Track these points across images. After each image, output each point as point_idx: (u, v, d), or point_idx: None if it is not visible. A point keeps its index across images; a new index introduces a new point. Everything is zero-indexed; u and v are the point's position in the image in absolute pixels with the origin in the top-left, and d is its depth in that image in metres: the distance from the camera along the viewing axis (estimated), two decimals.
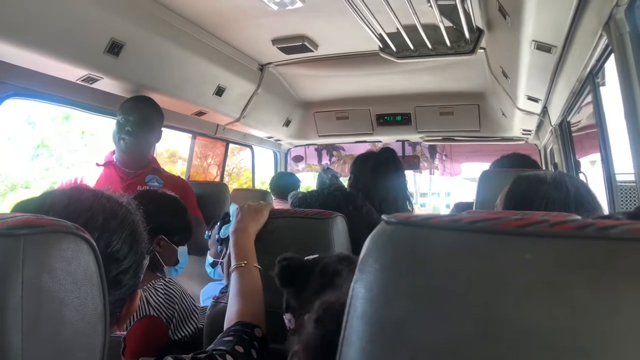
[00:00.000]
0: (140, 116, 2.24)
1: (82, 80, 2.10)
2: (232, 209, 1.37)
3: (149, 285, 1.40)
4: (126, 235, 0.76)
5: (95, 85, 2.18)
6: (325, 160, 5.95)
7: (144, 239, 0.81)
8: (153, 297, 1.37)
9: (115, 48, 2.05)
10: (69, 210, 0.72)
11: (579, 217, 0.81)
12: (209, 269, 1.91)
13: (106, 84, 2.22)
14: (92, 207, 0.74)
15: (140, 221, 0.82)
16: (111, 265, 0.73)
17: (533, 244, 0.43)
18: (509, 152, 2.32)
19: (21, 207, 0.73)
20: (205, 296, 1.94)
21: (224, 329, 1.00)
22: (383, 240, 0.49)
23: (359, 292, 0.48)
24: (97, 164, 2.27)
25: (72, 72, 2.03)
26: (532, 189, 1.15)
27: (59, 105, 2.28)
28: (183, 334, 1.40)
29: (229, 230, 1.26)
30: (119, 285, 0.74)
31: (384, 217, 0.50)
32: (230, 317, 1.02)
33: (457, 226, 0.47)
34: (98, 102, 2.32)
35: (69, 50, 1.89)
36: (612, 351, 0.38)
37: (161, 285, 1.41)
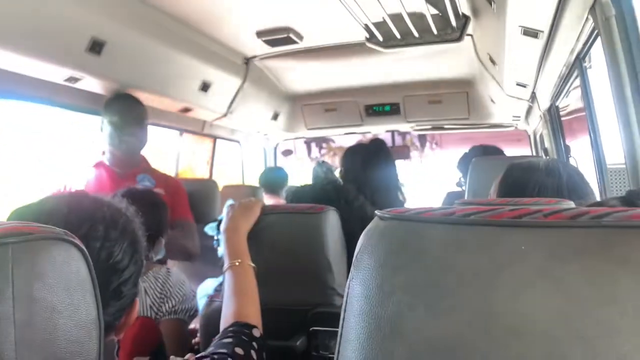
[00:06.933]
0: (136, 114, 2.24)
1: (65, 81, 2.07)
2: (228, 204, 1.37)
3: (149, 274, 1.45)
4: (127, 245, 0.75)
5: (78, 85, 2.15)
6: (316, 154, 5.94)
7: (143, 247, 0.81)
8: (151, 287, 1.42)
9: (96, 47, 2.01)
10: (69, 219, 0.71)
11: (572, 203, 0.82)
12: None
13: (89, 84, 2.18)
14: (93, 217, 0.73)
15: (139, 228, 0.81)
16: (112, 276, 0.72)
17: (528, 234, 0.43)
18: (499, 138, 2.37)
19: (18, 214, 0.72)
20: (202, 293, 1.94)
21: (220, 328, 0.99)
22: (377, 235, 0.49)
23: (355, 289, 0.48)
24: (92, 166, 2.25)
25: (54, 73, 2.00)
26: (526, 176, 1.15)
27: (43, 104, 2.24)
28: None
29: (213, 228, 1.25)
30: (119, 296, 0.74)
31: (377, 212, 0.50)
32: (226, 317, 1.01)
33: (451, 219, 0.47)
34: (82, 102, 2.29)
35: (48, 50, 1.85)
36: (609, 339, 0.38)
37: (162, 275, 1.46)
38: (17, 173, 3.05)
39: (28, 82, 1.97)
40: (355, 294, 0.48)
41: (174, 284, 1.47)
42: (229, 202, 1.30)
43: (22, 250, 0.54)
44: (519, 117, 3.62)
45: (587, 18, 1.43)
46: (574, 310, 0.39)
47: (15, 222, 0.57)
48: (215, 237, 1.23)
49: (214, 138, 3.69)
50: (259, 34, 2.73)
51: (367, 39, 2.62)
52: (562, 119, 2.71)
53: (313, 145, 6.41)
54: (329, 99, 3.97)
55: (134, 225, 0.80)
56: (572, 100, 2.59)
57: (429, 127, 4.15)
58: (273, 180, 3.62)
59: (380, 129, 4.19)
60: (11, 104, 1.99)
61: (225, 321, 1.01)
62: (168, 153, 3.37)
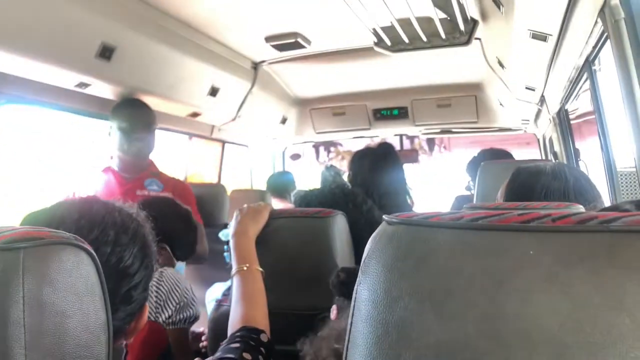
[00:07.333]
0: (145, 119, 2.26)
1: (75, 86, 2.09)
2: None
3: None
4: (137, 250, 0.76)
5: (88, 90, 2.16)
6: (324, 158, 5.94)
7: (154, 252, 0.81)
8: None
9: (106, 52, 2.02)
10: (80, 224, 0.71)
11: (581, 207, 0.81)
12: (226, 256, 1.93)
13: (99, 89, 2.20)
14: (103, 222, 0.74)
15: (150, 233, 0.82)
16: (122, 281, 0.73)
17: (536, 239, 0.43)
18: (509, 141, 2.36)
19: (30, 219, 0.73)
20: (211, 297, 1.95)
21: (228, 333, 0.99)
22: (384, 240, 0.48)
23: (363, 294, 0.47)
24: (101, 171, 2.27)
25: (65, 78, 2.01)
26: (532, 180, 1.15)
27: (53, 110, 2.26)
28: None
29: (227, 234, 1.25)
30: (129, 301, 0.74)
31: (385, 217, 0.50)
32: (234, 322, 1.02)
33: (459, 224, 0.46)
34: (91, 107, 2.31)
35: (59, 56, 1.87)
36: (616, 344, 0.38)
37: (155, 281, 1.39)
38: (17, 173, 3.07)
39: (39, 88, 1.99)
40: (363, 299, 0.48)
41: (168, 291, 1.40)
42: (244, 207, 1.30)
43: (33, 255, 0.54)
44: (528, 120, 3.59)
45: (596, 21, 1.42)
46: (582, 315, 0.39)
47: (26, 227, 0.57)
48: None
49: (223, 142, 3.70)
50: (268, 39, 2.75)
51: (375, 44, 2.62)
52: (572, 122, 2.69)
53: (321, 149, 6.42)
54: (337, 103, 3.97)
55: (145, 230, 0.80)
56: (581, 104, 2.57)
57: (438, 130, 4.14)
58: (280, 184, 3.64)
59: (388, 133, 4.18)
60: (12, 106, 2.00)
61: (233, 326, 1.01)
62: (177, 158, 3.39)
